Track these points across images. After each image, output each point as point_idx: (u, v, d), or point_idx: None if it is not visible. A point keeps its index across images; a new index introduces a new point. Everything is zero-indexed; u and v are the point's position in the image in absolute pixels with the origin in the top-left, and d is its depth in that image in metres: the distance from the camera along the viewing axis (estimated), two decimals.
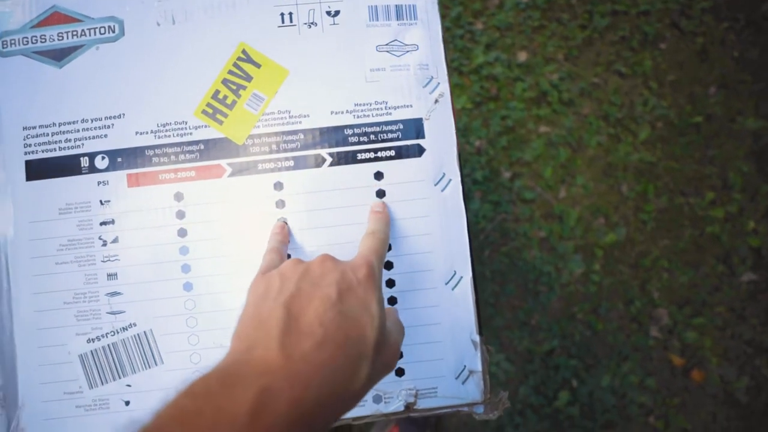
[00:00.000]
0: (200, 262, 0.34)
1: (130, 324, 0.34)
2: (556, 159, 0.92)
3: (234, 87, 0.35)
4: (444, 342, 0.34)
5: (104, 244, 0.34)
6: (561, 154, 0.92)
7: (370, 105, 0.35)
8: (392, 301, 0.35)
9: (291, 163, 0.35)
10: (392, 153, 0.35)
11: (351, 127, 0.35)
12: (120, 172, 0.35)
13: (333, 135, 0.35)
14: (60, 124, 0.35)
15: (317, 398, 0.21)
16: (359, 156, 0.35)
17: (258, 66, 0.35)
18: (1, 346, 0.34)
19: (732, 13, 0.98)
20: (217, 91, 0.35)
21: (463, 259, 0.35)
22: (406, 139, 0.35)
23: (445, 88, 0.36)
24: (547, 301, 0.88)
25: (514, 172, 0.92)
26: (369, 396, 0.34)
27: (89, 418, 0.34)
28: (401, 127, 0.35)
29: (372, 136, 0.35)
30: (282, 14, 0.36)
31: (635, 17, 0.98)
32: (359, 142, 0.35)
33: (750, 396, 0.86)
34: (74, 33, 0.35)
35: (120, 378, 0.34)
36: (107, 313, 0.34)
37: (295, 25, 0.36)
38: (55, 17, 0.36)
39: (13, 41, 0.35)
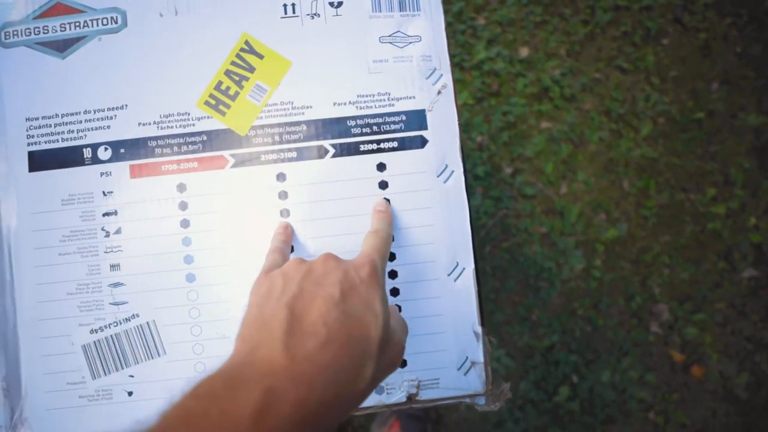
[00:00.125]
0: (203, 253, 0.34)
1: (133, 315, 0.34)
2: (558, 155, 0.92)
3: (237, 78, 0.35)
4: (446, 333, 0.34)
5: (107, 235, 0.35)
6: (562, 149, 0.92)
7: (373, 96, 0.35)
8: (394, 292, 0.35)
9: (294, 154, 0.35)
10: (395, 144, 0.35)
11: (354, 118, 0.35)
12: (123, 163, 0.35)
13: (336, 126, 0.35)
14: (63, 115, 0.35)
15: (321, 399, 0.21)
16: (362, 147, 0.35)
17: (261, 57, 0.35)
18: (5, 336, 0.34)
19: (735, 8, 0.97)
20: (220, 82, 0.35)
21: (466, 250, 0.35)
22: (408, 130, 0.35)
23: (447, 79, 0.36)
24: (547, 296, 0.88)
25: (516, 168, 0.92)
26: None
27: (92, 409, 0.34)
28: (404, 118, 0.35)
29: (375, 128, 0.35)
30: (285, 5, 0.36)
31: (637, 12, 0.98)
32: (362, 134, 0.35)
33: (750, 392, 0.86)
34: (77, 24, 0.35)
35: (123, 368, 0.34)
36: (110, 303, 0.34)
37: (297, 16, 0.36)
38: (58, 8, 0.36)
39: (15, 32, 0.35)
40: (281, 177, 0.35)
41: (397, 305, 0.35)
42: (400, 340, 0.27)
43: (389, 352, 0.26)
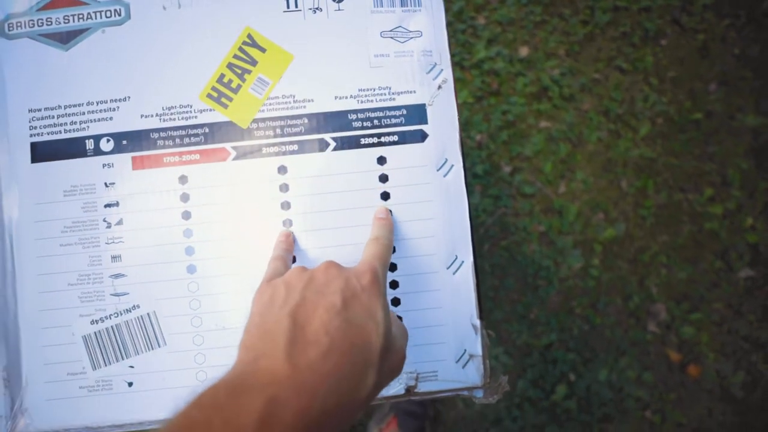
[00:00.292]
0: (204, 245, 0.35)
1: (134, 306, 0.35)
2: (557, 154, 0.93)
3: (239, 71, 0.35)
4: (445, 326, 0.35)
5: (108, 226, 0.35)
6: (561, 149, 0.93)
7: (374, 90, 0.35)
8: (394, 285, 0.35)
9: (295, 147, 0.35)
10: (395, 138, 0.35)
11: (355, 112, 0.35)
12: (125, 154, 0.35)
13: (337, 120, 0.35)
14: (65, 107, 0.35)
15: (324, 407, 0.21)
16: (362, 141, 0.35)
17: (263, 50, 0.35)
18: (6, 326, 0.34)
19: (733, 10, 0.98)
20: (222, 75, 0.35)
21: (465, 243, 0.35)
22: (409, 124, 0.35)
23: (448, 74, 0.36)
24: (545, 295, 0.88)
25: (515, 167, 0.93)
26: None
27: (92, 399, 0.34)
28: (404, 112, 0.35)
29: (375, 122, 0.35)
30: None
31: (636, 13, 0.98)
32: (363, 127, 0.35)
33: (746, 391, 0.87)
34: (80, 16, 0.36)
35: (123, 359, 0.34)
36: (111, 294, 0.35)
37: (300, 10, 0.36)
38: (61, 0, 0.36)
39: (19, 24, 0.36)
40: (282, 170, 0.35)
41: (396, 297, 0.35)
42: (401, 347, 0.28)
43: (390, 360, 0.26)
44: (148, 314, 0.35)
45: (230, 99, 0.35)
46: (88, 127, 0.35)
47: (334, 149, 0.35)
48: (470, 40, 0.97)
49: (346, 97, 0.35)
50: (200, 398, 0.21)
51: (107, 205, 0.35)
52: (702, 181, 0.93)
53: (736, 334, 0.88)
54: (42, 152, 0.35)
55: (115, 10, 0.36)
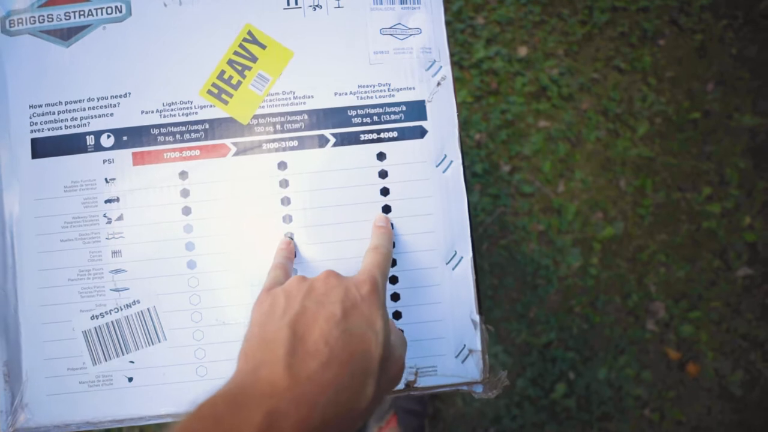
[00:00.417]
0: (204, 240, 0.35)
1: (134, 301, 0.35)
2: (555, 153, 0.93)
3: (239, 68, 0.35)
4: (444, 321, 0.35)
5: (109, 222, 0.35)
6: (560, 148, 0.93)
7: (374, 87, 0.36)
8: (393, 280, 0.35)
9: (295, 143, 0.35)
10: (395, 134, 0.35)
11: (354, 108, 0.35)
12: (125, 150, 0.35)
13: (336, 116, 0.35)
14: (66, 103, 0.35)
15: (323, 419, 0.21)
16: (362, 137, 0.35)
17: (263, 47, 0.36)
18: (6, 322, 0.35)
19: (730, 10, 0.98)
20: (223, 72, 0.35)
21: (464, 239, 0.35)
22: (408, 120, 0.36)
23: (447, 71, 0.36)
24: (545, 294, 0.89)
25: (514, 166, 0.93)
26: None
27: (92, 394, 0.34)
28: (404, 108, 0.36)
29: (375, 118, 0.35)
30: None
31: (635, 13, 0.98)
32: (362, 123, 0.35)
33: (744, 389, 0.87)
34: (81, 13, 0.36)
35: (123, 354, 0.35)
36: (111, 290, 0.35)
37: (300, 7, 0.36)
38: None
39: (20, 20, 0.36)
40: (282, 165, 0.35)
41: (396, 293, 0.35)
42: (401, 356, 0.28)
43: (390, 369, 0.26)
44: (148, 309, 0.35)
45: (230, 95, 0.35)
46: (88, 123, 0.35)
47: (334, 145, 0.35)
48: (469, 39, 0.97)
49: (346, 94, 0.36)
50: (199, 410, 0.21)
51: (107, 201, 0.35)
52: (700, 180, 0.93)
53: (734, 332, 0.89)
54: (43, 148, 0.35)
55: (116, 7, 0.36)
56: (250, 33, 0.36)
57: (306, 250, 0.35)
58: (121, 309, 0.35)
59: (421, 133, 0.36)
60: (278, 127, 0.35)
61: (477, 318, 0.35)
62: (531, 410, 0.85)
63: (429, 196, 0.35)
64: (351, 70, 0.36)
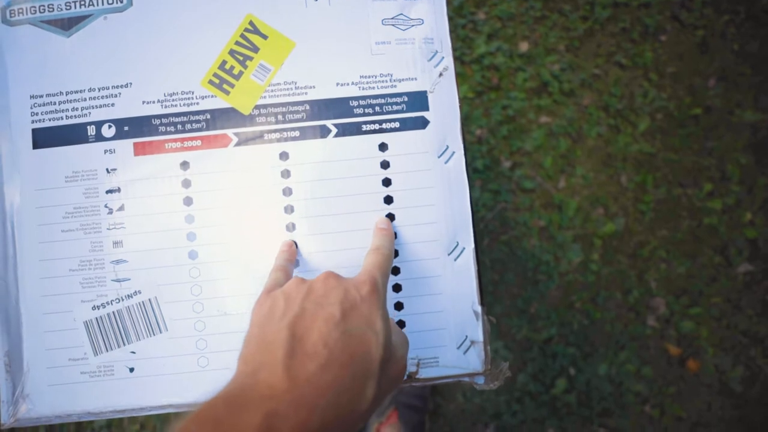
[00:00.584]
0: (205, 231, 0.35)
1: (135, 291, 0.35)
2: (557, 149, 0.93)
3: (241, 58, 0.35)
4: (446, 312, 0.35)
5: (110, 212, 0.35)
6: (561, 144, 0.93)
7: (375, 77, 0.36)
8: (395, 271, 0.35)
9: (297, 133, 0.35)
10: (396, 125, 0.35)
11: (356, 98, 0.35)
12: (127, 140, 0.35)
13: (338, 106, 0.35)
14: (67, 93, 0.35)
15: (323, 421, 0.21)
16: (364, 127, 0.35)
17: (265, 37, 0.36)
18: (7, 312, 0.34)
19: (732, 6, 0.98)
20: (224, 62, 0.35)
21: (466, 230, 0.35)
22: (410, 111, 0.35)
23: (449, 62, 0.36)
24: (545, 289, 0.89)
25: (515, 162, 0.93)
26: None
27: (93, 385, 0.34)
28: (406, 99, 0.35)
29: (377, 108, 0.35)
30: None
31: (636, 9, 0.98)
32: (364, 114, 0.35)
33: (744, 385, 0.87)
34: (82, 3, 0.36)
35: (125, 345, 0.35)
36: (112, 280, 0.35)
37: None
38: None
39: (21, 10, 0.36)
40: (284, 156, 0.35)
41: (397, 283, 0.35)
42: (402, 356, 0.27)
43: (391, 370, 0.26)
44: (149, 300, 0.35)
45: (232, 85, 0.35)
46: (89, 113, 0.35)
47: (336, 135, 0.35)
48: (470, 35, 0.97)
49: (348, 84, 0.35)
50: (199, 412, 0.21)
51: (109, 191, 0.35)
52: (701, 176, 0.93)
53: (735, 328, 0.89)
54: (43, 138, 0.35)
55: None
56: (251, 23, 0.36)
57: (307, 240, 0.35)
58: (122, 299, 0.35)
59: (423, 123, 0.35)
60: (280, 117, 0.35)
61: (479, 309, 0.35)
62: (531, 406, 0.85)
63: (431, 186, 0.35)
64: (353, 60, 0.36)
